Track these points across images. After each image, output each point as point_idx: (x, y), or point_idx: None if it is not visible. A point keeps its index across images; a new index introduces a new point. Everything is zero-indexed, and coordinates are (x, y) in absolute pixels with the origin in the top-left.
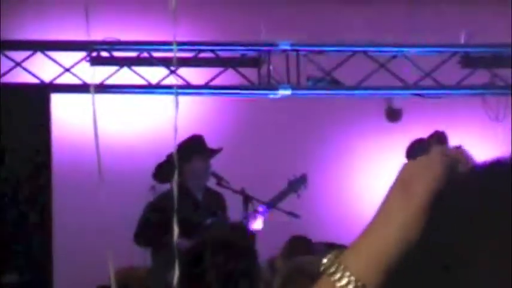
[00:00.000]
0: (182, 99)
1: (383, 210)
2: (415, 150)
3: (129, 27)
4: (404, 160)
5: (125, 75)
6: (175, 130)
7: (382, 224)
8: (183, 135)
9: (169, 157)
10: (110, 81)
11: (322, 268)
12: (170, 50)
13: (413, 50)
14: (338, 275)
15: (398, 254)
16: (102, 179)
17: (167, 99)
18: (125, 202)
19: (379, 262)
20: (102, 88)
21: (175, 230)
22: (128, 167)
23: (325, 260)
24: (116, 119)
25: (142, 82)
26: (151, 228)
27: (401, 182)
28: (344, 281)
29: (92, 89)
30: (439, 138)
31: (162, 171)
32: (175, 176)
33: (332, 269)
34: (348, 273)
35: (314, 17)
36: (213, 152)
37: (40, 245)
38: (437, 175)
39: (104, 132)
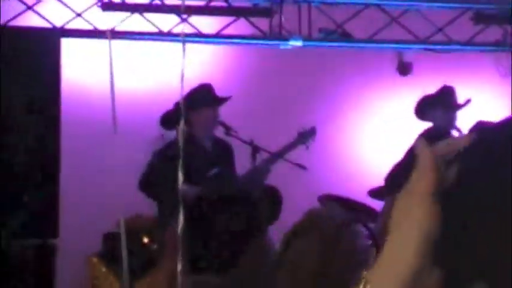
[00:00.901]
0: (193, 48)
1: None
2: (424, 105)
3: None
4: (412, 114)
5: (136, 23)
6: (182, 77)
7: (398, 246)
8: (193, 84)
9: (177, 105)
10: (120, 28)
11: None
12: None
13: (425, 5)
14: None
15: (418, 271)
16: (115, 129)
17: (178, 48)
18: (134, 150)
19: (400, 281)
20: (113, 34)
21: (180, 177)
22: (137, 115)
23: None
24: (125, 67)
25: (153, 29)
26: (157, 176)
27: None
28: None
29: (108, 34)
30: (447, 92)
31: (170, 119)
32: (181, 125)
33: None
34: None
35: None
36: (221, 101)
37: (47, 194)
38: (430, 182)
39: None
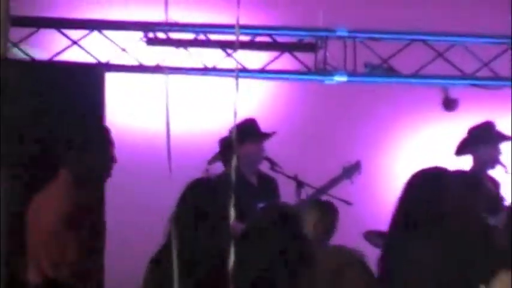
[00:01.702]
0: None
1: None
2: (464, 141)
3: (185, 9)
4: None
5: (179, 58)
6: (235, 114)
7: None
8: (238, 119)
9: (222, 141)
10: (164, 63)
11: None
12: (227, 33)
13: (471, 40)
14: None
15: None
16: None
17: (220, 84)
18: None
19: None
20: (158, 69)
21: (232, 213)
22: (181, 151)
23: None
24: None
25: (198, 65)
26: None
27: None
28: None
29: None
30: (488, 127)
31: (216, 155)
32: (234, 160)
33: None
34: None
35: (373, 2)
36: (266, 136)
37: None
38: None
39: (155, 114)
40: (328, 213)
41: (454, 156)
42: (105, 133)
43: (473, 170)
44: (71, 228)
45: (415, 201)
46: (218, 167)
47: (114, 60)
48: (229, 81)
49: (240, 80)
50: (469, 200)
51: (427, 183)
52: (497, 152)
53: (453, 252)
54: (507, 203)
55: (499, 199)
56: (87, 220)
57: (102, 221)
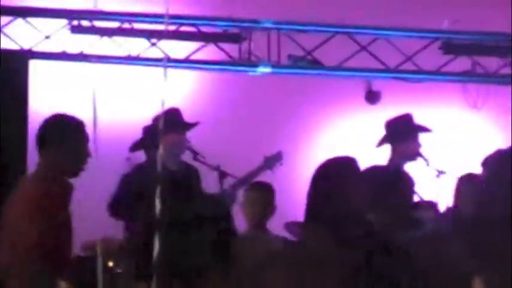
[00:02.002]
0: (161, 72)
1: None
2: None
3: None
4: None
5: (104, 46)
6: (163, 102)
7: None
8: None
9: (145, 129)
10: (88, 51)
11: None
12: (152, 22)
13: (395, 33)
14: None
15: None
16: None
17: (143, 72)
18: (101, 173)
19: None
20: (82, 57)
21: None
22: (104, 138)
23: None
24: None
25: (120, 53)
26: (125, 200)
27: None
28: None
29: (92, 60)
30: (406, 120)
31: (137, 142)
32: (161, 149)
33: None
34: None
35: None
36: (189, 126)
37: None
38: None
39: (79, 103)
40: (267, 193)
41: (376, 149)
42: (81, 128)
43: (391, 163)
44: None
45: (319, 194)
46: (140, 155)
47: (38, 48)
48: (154, 70)
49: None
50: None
51: (333, 174)
52: (417, 144)
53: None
54: (420, 200)
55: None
56: (58, 211)
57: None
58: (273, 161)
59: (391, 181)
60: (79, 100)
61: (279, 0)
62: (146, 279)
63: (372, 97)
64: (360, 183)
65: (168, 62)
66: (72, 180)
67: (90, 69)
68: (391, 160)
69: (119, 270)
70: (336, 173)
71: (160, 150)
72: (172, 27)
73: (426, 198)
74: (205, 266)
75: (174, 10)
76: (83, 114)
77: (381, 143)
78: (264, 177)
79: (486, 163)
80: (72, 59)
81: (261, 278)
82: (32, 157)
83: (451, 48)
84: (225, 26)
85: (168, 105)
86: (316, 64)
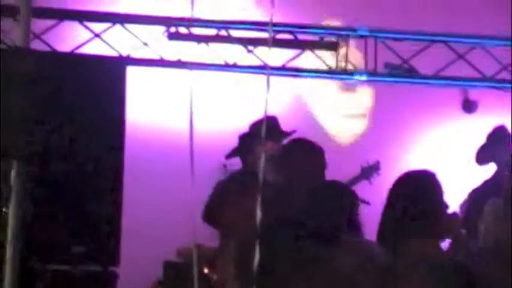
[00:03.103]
0: (256, 80)
1: None
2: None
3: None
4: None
5: (200, 53)
6: (265, 111)
7: None
8: (257, 116)
9: (242, 136)
10: (186, 59)
11: None
12: (248, 29)
13: (492, 42)
14: None
15: None
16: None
17: (237, 79)
18: (196, 180)
19: None
20: (179, 64)
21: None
22: (200, 145)
23: None
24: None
25: (217, 61)
26: (220, 207)
27: None
28: None
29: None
30: (501, 132)
31: (234, 149)
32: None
33: None
34: None
35: (396, 2)
36: (286, 135)
37: (109, 221)
38: None
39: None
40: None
41: (473, 158)
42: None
43: (497, 175)
44: None
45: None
46: (236, 162)
47: (136, 54)
48: (249, 78)
49: (261, 77)
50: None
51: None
52: None
53: None
54: None
55: None
56: None
57: None
58: (370, 170)
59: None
60: (176, 107)
61: (376, 8)
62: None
63: (469, 106)
64: (439, 197)
65: (263, 69)
66: (166, 186)
67: (187, 76)
68: (496, 172)
69: (214, 277)
70: (414, 187)
71: (258, 158)
72: (271, 35)
73: None
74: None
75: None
76: (180, 121)
77: (483, 157)
78: (361, 186)
79: None
80: (170, 65)
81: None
82: (128, 165)
83: None
84: (322, 33)
85: (267, 113)
86: (412, 72)
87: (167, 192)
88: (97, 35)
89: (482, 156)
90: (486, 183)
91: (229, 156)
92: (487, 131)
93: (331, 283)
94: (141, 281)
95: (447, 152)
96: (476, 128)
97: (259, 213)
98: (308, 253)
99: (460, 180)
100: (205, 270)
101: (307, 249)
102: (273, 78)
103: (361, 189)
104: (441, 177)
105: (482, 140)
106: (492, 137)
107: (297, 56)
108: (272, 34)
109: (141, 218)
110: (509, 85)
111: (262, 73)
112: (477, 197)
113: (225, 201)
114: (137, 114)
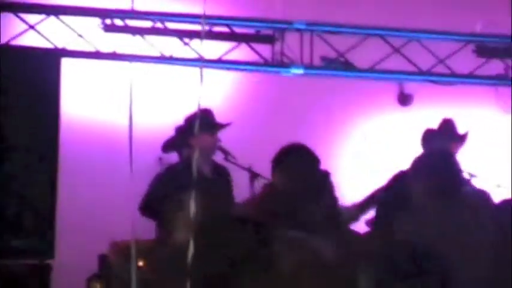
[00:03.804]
0: (194, 73)
1: None
2: (427, 140)
3: None
4: (414, 145)
5: (136, 46)
6: (199, 103)
7: None
8: (192, 108)
9: (178, 129)
10: (122, 51)
11: None
12: (184, 22)
13: (428, 36)
14: None
15: None
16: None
17: (174, 72)
18: (133, 173)
19: None
20: (114, 56)
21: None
22: (136, 139)
23: None
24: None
25: (153, 53)
26: (158, 200)
27: None
28: None
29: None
30: (447, 126)
31: (170, 143)
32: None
33: None
34: None
35: None
36: (221, 127)
37: (44, 215)
38: None
39: (109, 101)
40: None
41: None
42: None
43: None
44: None
45: None
46: (172, 155)
47: (71, 46)
48: (185, 70)
49: (196, 70)
50: None
51: None
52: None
53: None
54: None
55: None
56: None
57: None
58: None
59: None
60: (112, 100)
61: (312, 2)
62: (178, 278)
63: (404, 99)
64: None
65: (199, 62)
66: (104, 181)
67: (124, 68)
68: None
69: (149, 270)
70: None
71: (193, 151)
72: (205, 28)
73: None
74: (242, 265)
75: (208, 10)
76: (116, 114)
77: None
78: None
79: None
80: (105, 58)
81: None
82: (64, 155)
83: (484, 51)
84: (258, 26)
85: (202, 106)
86: (348, 66)
87: (104, 185)
88: (32, 27)
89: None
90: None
91: (165, 149)
92: (423, 124)
93: (274, 279)
94: (79, 274)
95: (383, 144)
96: (412, 121)
97: (195, 206)
98: (250, 248)
99: (392, 171)
100: (140, 263)
101: (249, 244)
102: (212, 71)
103: None
104: (376, 169)
105: (417, 132)
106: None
107: (233, 49)
108: (205, 27)
109: (79, 211)
110: (445, 79)
111: (198, 66)
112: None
113: (162, 194)
114: (74, 106)
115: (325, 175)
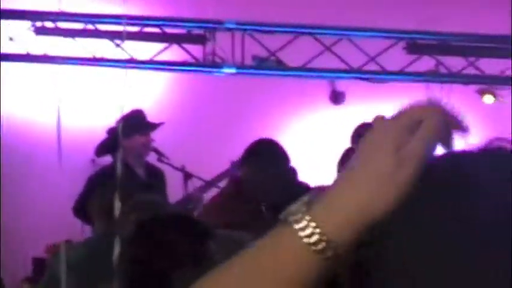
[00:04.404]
0: (127, 74)
1: (366, 165)
2: (358, 135)
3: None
4: (347, 143)
5: (68, 48)
6: (122, 105)
7: (365, 182)
8: (126, 110)
9: (110, 132)
10: (53, 53)
11: (287, 214)
12: (116, 24)
13: (359, 34)
14: (302, 224)
15: (381, 216)
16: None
17: (111, 74)
18: (66, 176)
19: (354, 222)
20: (46, 59)
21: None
22: (68, 141)
23: (292, 208)
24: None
25: (85, 55)
26: (91, 201)
27: (393, 141)
28: (308, 231)
29: (57, 61)
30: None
31: (103, 145)
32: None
33: (297, 216)
34: (313, 224)
35: None
36: (153, 127)
37: None
38: (434, 140)
39: (43, 103)
40: None
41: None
42: None
43: None
44: None
45: None
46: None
47: (2, 49)
48: (119, 72)
49: (130, 71)
50: None
51: None
52: None
53: None
54: None
55: None
56: None
57: None
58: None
59: None
60: (44, 102)
61: (243, 1)
62: (108, 279)
63: (336, 97)
64: None
65: (131, 62)
66: (36, 184)
67: (54, 71)
68: None
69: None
70: None
71: (127, 152)
72: (136, 29)
73: None
74: (177, 265)
75: (138, 11)
76: (49, 116)
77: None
78: None
79: None
80: (36, 60)
81: None
82: (4, 158)
83: (415, 48)
84: (189, 26)
85: (134, 107)
86: (280, 65)
87: (39, 188)
88: None
89: (356, 142)
90: None
91: (98, 152)
92: (355, 121)
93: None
94: (11, 277)
95: (316, 142)
96: (344, 119)
97: (128, 205)
98: (182, 248)
99: (325, 169)
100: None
101: (181, 244)
102: (144, 72)
103: None
104: (311, 165)
105: (350, 130)
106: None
107: (165, 49)
108: (135, 27)
109: (12, 214)
110: (376, 76)
111: (129, 67)
112: None
113: (95, 195)
114: (7, 109)
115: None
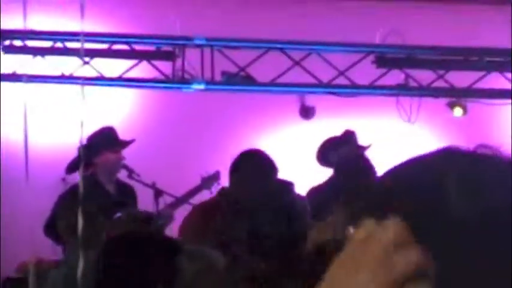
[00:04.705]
0: (96, 91)
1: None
2: (327, 149)
3: (43, 18)
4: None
5: (37, 66)
6: (82, 122)
7: None
8: (97, 127)
9: (80, 150)
10: (22, 71)
11: None
12: (85, 41)
13: (328, 48)
14: None
15: None
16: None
17: (77, 92)
18: (36, 195)
19: None
20: (14, 77)
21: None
22: (38, 160)
23: None
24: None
25: (54, 73)
26: (60, 220)
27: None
28: None
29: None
30: (349, 137)
31: (73, 163)
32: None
33: None
34: None
35: (230, 11)
36: (124, 144)
37: None
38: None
39: (12, 123)
40: None
41: (310, 165)
42: None
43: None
44: None
45: None
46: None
47: None
48: (89, 90)
49: (100, 89)
50: None
51: None
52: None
53: None
54: None
55: None
56: None
57: None
58: (210, 180)
59: None
60: (13, 121)
61: (211, 17)
62: None
63: (306, 112)
64: None
65: (100, 80)
66: (5, 204)
67: (23, 89)
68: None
69: None
70: None
71: (98, 169)
72: (105, 46)
73: None
74: (149, 283)
75: (107, 28)
76: (17, 135)
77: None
78: (203, 196)
79: None
80: (5, 79)
81: None
82: None
83: (384, 62)
84: (158, 43)
85: (104, 124)
86: (249, 80)
87: (8, 206)
88: None
89: (325, 157)
90: (326, 184)
91: (69, 170)
92: (324, 136)
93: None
94: None
95: (287, 158)
96: (314, 134)
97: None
98: (153, 266)
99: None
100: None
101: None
102: (114, 89)
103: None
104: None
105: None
106: (340, 140)
107: (134, 66)
108: (104, 45)
109: None
110: (346, 90)
111: (99, 84)
112: (317, 196)
113: (62, 215)
114: None
115: (285, 184)
